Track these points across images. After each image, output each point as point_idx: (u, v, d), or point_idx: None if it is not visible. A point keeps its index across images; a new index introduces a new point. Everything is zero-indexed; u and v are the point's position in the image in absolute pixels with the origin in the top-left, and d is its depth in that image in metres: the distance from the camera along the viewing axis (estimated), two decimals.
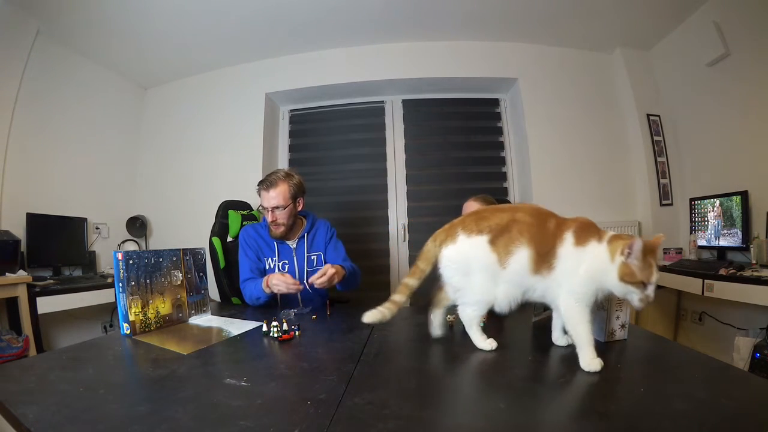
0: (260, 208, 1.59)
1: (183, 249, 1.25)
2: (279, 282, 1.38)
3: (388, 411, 0.60)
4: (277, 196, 1.53)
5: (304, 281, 1.61)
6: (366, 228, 2.98)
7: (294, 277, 1.56)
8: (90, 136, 2.87)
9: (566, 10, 2.49)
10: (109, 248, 2.90)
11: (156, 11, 2.37)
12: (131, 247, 2.99)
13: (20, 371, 0.80)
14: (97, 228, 2.88)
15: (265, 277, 1.45)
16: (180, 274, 1.22)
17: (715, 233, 2.29)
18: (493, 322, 1.19)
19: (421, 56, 2.89)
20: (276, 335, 1.02)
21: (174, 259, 1.21)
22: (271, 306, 1.55)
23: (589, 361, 0.74)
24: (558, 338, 0.92)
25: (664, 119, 2.78)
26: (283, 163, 3.17)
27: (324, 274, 1.39)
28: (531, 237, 0.82)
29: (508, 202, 2.57)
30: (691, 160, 2.68)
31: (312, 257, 1.65)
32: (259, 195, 1.57)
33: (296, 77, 2.98)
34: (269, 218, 1.56)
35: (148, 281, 1.12)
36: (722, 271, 1.93)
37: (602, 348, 0.88)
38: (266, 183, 1.55)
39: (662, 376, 0.76)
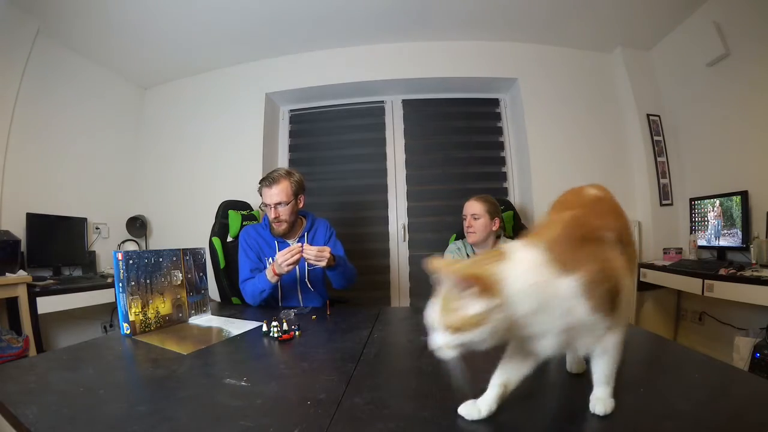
0: (262, 206, 1.59)
1: (183, 249, 1.25)
2: (284, 258, 1.38)
3: (388, 411, 0.60)
4: (279, 192, 1.54)
5: (306, 280, 1.62)
6: (366, 228, 2.99)
7: (294, 275, 1.58)
8: (90, 136, 2.87)
9: (566, 10, 2.49)
10: (109, 248, 2.90)
11: (156, 11, 2.37)
12: (131, 247, 2.99)
13: (20, 371, 0.80)
14: (97, 228, 2.88)
15: (269, 266, 1.47)
16: (180, 274, 1.22)
17: (715, 233, 2.29)
18: None
19: (421, 56, 2.89)
20: (276, 335, 1.02)
21: (174, 259, 1.21)
22: (271, 306, 1.55)
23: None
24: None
25: (664, 119, 2.78)
26: (283, 163, 3.17)
27: (321, 251, 1.41)
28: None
29: (509, 202, 2.57)
30: (691, 160, 2.68)
31: None
32: (260, 193, 1.58)
33: (296, 77, 2.98)
34: (272, 215, 1.56)
35: (148, 281, 1.12)
36: (722, 271, 1.93)
37: None
38: (268, 180, 1.56)
39: (662, 376, 0.76)
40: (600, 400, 0.57)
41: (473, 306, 0.48)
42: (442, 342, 0.51)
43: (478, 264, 0.51)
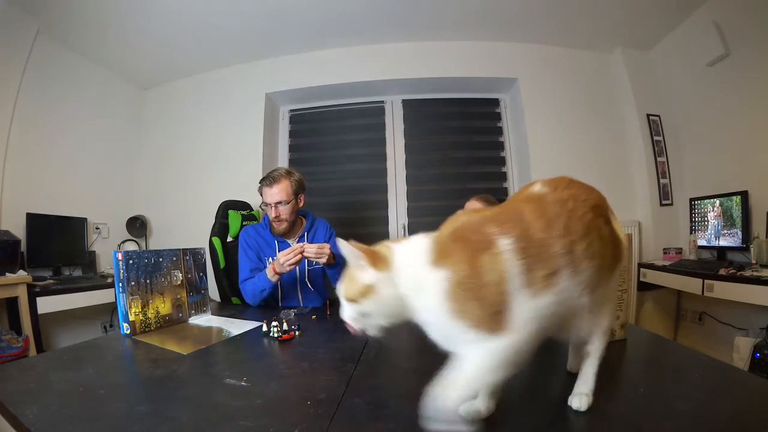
0: (262, 205, 1.59)
1: (183, 249, 1.25)
2: (285, 257, 1.39)
3: (388, 411, 0.60)
4: (280, 191, 1.54)
5: (306, 279, 1.62)
6: (366, 228, 2.98)
7: (294, 274, 1.58)
8: (90, 136, 2.87)
9: (566, 10, 2.49)
10: (109, 248, 2.89)
11: (156, 11, 2.37)
12: (131, 247, 2.99)
13: (20, 371, 0.80)
14: (97, 228, 2.88)
15: (269, 266, 1.47)
16: (180, 274, 1.22)
17: (715, 233, 2.29)
18: None
19: (420, 56, 2.89)
20: (276, 335, 1.02)
21: (174, 259, 1.21)
22: (271, 306, 1.55)
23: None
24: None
25: (664, 119, 2.78)
26: (283, 163, 3.17)
27: (321, 248, 1.43)
28: None
29: None
30: (691, 160, 2.68)
31: None
32: (261, 192, 1.58)
33: (296, 77, 2.98)
34: (273, 214, 1.56)
35: (148, 281, 1.12)
36: (722, 271, 1.93)
37: None
38: (269, 179, 1.56)
39: (662, 376, 0.76)
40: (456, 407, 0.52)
41: (365, 276, 0.53)
42: (347, 312, 0.56)
43: (379, 244, 0.56)
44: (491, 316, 0.48)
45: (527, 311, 0.49)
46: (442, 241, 0.53)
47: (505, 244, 0.49)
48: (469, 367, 0.51)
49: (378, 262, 0.53)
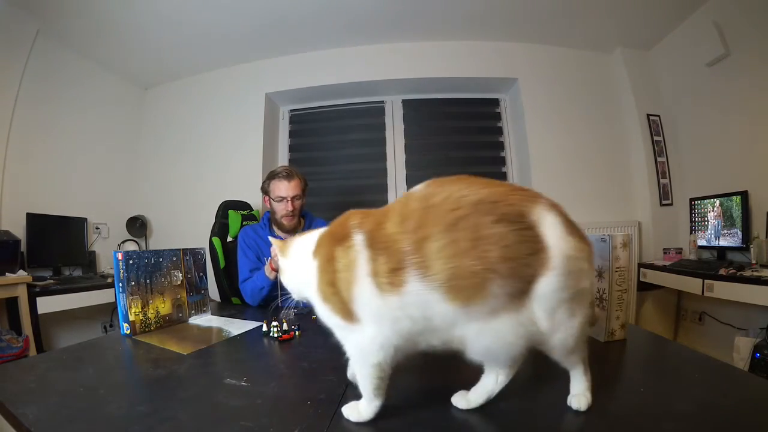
0: (275, 199, 1.59)
1: (183, 249, 1.25)
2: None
3: (388, 411, 0.60)
4: (296, 186, 1.58)
5: None
6: None
7: None
8: (90, 136, 2.87)
9: (566, 10, 2.49)
10: (109, 248, 2.90)
11: (156, 12, 2.37)
12: (131, 247, 2.99)
13: (20, 371, 0.80)
14: (97, 228, 2.88)
15: (267, 264, 1.48)
16: (180, 274, 1.22)
17: (715, 233, 2.29)
18: None
19: (421, 56, 2.89)
20: (276, 335, 1.02)
21: (174, 259, 1.21)
22: (271, 306, 1.55)
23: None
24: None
25: (664, 119, 2.78)
26: (283, 162, 3.17)
27: None
28: None
29: None
30: (691, 160, 2.68)
31: None
32: (270, 188, 1.60)
33: (296, 77, 2.98)
34: (289, 208, 1.57)
35: (148, 281, 1.12)
36: (722, 271, 1.93)
37: (602, 348, 0.88)
38: (285, 173, 1.58)
39: (662, 376, 0.76)
40: (353, 409, 0.58)
41: (280, 261, 0.67)
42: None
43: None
44: (345, 304, 0.54)
45: (376, 307, 0.52)
46: (323, 233, 0.61)
47: (357, 238, 0.54)
48: (354, 365, 0.59)
49: (281, 251, 0.66)
